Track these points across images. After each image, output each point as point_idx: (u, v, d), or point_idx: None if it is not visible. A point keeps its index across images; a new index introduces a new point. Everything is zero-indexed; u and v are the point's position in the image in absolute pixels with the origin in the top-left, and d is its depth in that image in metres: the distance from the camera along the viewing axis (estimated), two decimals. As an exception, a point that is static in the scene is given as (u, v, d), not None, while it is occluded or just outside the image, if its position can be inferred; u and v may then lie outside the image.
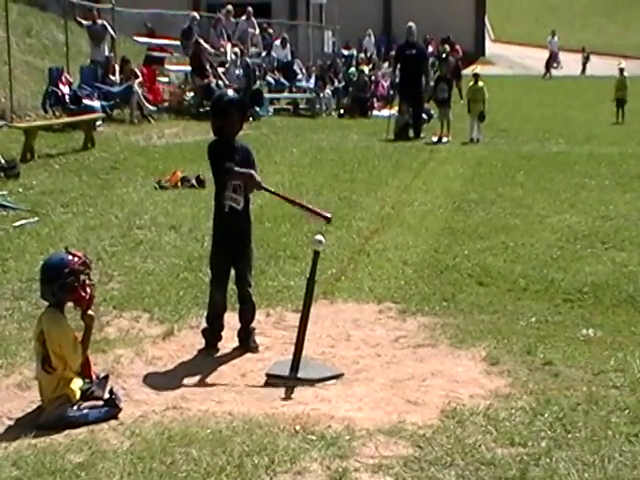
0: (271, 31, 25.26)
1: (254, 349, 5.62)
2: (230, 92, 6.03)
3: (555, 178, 12.32)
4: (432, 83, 18.37)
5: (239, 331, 5.69)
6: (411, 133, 17.52)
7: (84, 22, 18.40)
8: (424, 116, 18.50)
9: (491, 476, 3.90)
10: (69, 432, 4.35)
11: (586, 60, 44.20)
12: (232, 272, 5.68)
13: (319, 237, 5.30)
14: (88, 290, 4.61)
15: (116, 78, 17.22)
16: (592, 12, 59.45)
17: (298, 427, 4.35)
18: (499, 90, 26.27)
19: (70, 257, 4.55)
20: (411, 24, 18.03)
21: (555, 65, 43.62)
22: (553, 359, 5.33)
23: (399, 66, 18.00)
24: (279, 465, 3.97)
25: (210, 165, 5.53)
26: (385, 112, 20.73)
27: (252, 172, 5.43)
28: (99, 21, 18.08)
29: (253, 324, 5.73)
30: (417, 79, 17.64)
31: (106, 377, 4.81)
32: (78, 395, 4.54)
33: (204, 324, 5.75)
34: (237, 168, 5.36)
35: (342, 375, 5.18)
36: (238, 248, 5.60)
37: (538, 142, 16.83)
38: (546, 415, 4.51)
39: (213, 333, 5.68)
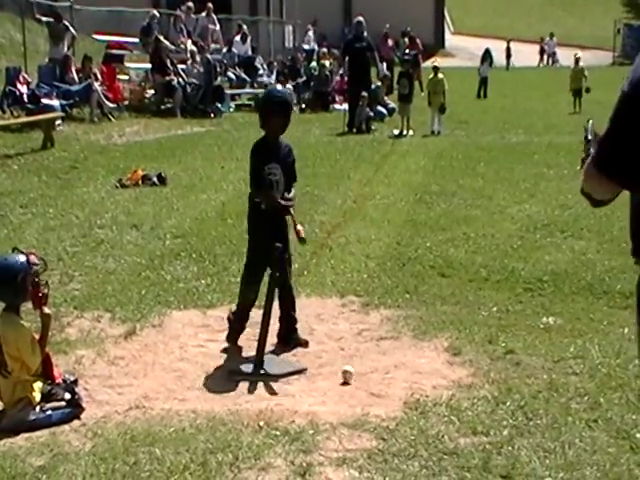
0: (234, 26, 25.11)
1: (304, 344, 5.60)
2: (279, 87, 5.98)
3: (515, 168, 12.44)
4: (387, 73, 18.48)
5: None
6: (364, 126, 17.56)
7: (43, 19, 18.14)
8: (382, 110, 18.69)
9: (454, 466, 3.94)
10: (30, 435, 4.30)
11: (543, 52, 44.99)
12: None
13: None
14: (44, 289, 4.58)
15: (74, 76, 16.99)
16: (549, 4, 60.05)
17: (262, 423, 4.35)
18: (459, 82, 26.43)
19: (26, 256, 4.52)
20: (360, 18, 18.29)
21: (553, 63, 44.66)
22: (514, 348, 5.39)
23: (348, 59, 18.17)
24: (243, 462, 3.97)
25: (250, 165, 5.42)
26: (346, 106, 20.72)
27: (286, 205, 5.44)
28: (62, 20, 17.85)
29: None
30: (367, 72, 18.06)
31: (75, 381, 4.74)
32: (38, 398, 4.49)
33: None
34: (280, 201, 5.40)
35: (305, 370, 5.19)
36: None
37: (498, 133, 16.97)
38: (508, 404, 4.57)
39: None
